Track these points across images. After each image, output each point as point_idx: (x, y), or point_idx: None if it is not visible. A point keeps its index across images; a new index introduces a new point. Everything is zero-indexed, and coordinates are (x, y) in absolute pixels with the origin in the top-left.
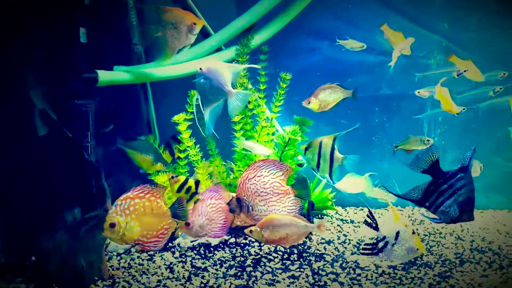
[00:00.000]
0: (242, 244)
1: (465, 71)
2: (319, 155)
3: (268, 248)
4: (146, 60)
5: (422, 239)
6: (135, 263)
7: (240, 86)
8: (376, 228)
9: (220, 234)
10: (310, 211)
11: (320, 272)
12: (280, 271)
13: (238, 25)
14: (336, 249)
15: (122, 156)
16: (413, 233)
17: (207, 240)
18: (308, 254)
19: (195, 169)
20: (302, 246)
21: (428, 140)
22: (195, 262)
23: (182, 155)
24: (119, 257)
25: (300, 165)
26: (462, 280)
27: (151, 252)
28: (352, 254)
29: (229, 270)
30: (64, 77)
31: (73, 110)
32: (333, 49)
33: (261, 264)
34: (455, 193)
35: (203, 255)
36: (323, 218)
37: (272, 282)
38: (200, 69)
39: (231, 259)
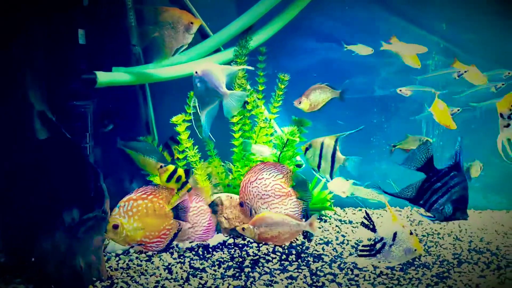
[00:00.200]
0: (240, 245)
1: (465, 71)
2: (320, 156)
3: (267, 249)
4: (144, 61)
5: (420, 240)
6: (133, 264)
7: (238, 87)
8: (373, 230)
9: (205, 237)
10: (308, 212)
11: (318, 272)
12: (278, 271)
13: (238, 26)
14: (335, 250)
15: (121, 157)
16: (411, 233)
17: (203, 242)
18: (306, 255)
19: (193, 169)
20: (301, 246)
21: (427, 140)
22: (193, 263)
23: (181, 156)
24: (117, 258)
25: (299, 165)
26: (460, 280)
27: (150, 253)
28: (350, 254)
29: (227, 270)
30: (63, 78)
31: (72, 111)
32: (331, 50)
33: (259, 264)
34: (448, 191)
35: (201, 256)
36: (321, 218)
37: (270, 283)
38: (196, 72)
39: (229, 260)
